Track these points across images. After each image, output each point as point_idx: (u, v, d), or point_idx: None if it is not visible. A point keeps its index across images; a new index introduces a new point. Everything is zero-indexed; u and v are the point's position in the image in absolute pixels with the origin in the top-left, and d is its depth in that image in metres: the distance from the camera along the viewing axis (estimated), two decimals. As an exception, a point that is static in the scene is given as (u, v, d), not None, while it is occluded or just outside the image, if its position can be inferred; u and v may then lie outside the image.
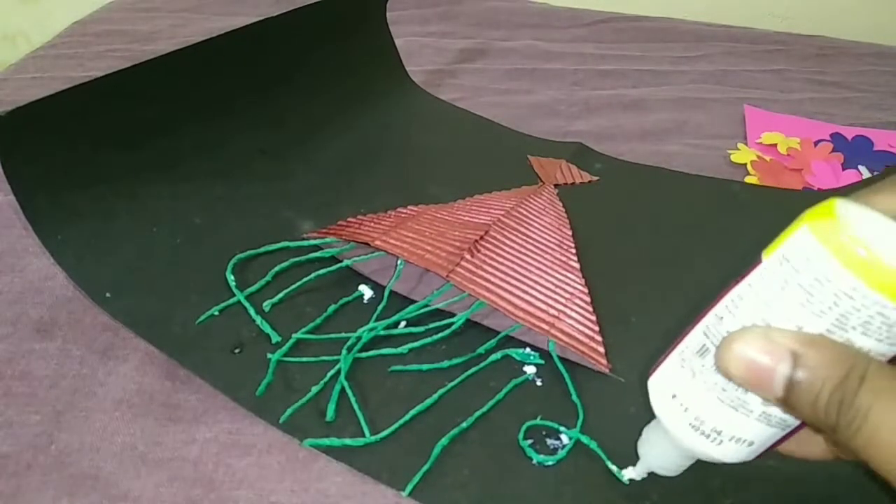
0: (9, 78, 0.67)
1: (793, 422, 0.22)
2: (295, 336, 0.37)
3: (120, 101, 0.41)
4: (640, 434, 0.28)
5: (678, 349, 0.24)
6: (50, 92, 0.37)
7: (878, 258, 0.19)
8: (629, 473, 0.30)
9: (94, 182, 0.41)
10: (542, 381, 0.36)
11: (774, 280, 0.21)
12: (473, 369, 0.36)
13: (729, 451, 0.24)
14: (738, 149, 0.58)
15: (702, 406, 0.23)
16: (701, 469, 0.32)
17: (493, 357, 0.37)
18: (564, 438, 0.33)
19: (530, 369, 0.37)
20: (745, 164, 0.56)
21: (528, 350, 0.37)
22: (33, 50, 0.73)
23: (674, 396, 0.24)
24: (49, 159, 0.39)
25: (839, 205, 0.21)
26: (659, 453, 0.27)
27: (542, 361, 0.37)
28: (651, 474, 0.28)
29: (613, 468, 0.32)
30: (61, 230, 0.39)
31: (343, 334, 0.38)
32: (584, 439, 0.33)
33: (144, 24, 0.80)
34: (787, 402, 0.21)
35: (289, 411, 0.34)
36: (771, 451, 0.24)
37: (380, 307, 0.39)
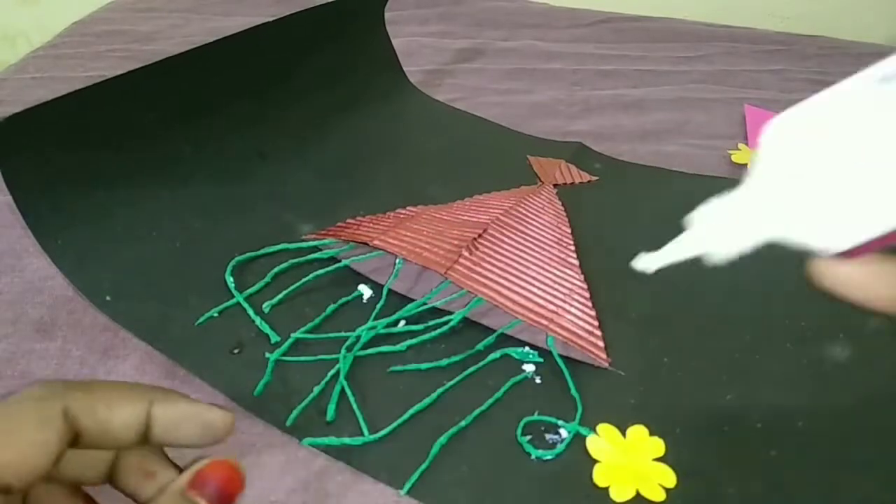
0: (9, 78, 0.67)
1: None
2: (293, 335, 0.37)
3: (119, 105, 0.41)
4: None
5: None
6: (50, 92, 0.37)
7: None
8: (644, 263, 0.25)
9: (94, 186, 0.41)
10: (540, 379, 0.36)
11: None
12: (472, 368, 0.36)
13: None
14: (738, 149, 0.58)
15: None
16: (705, 458, 0.32)
17: (492, 356, 0.37)
18: (563, 433, 0.33)
19: (529, 367, 0.37)
20: (745, 164, 0.56)
21: (526, 349, 0.37)
22: (33, 50, 0.73)
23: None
24: (48, 164, 0.39)
25: None
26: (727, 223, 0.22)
27: (541, 360, 0.37)
28: None
29: None
30: (61, 235, 0.39)
31: (342, 333, 0.38)
32: (584, 431, 0.33)
33: (144, 24, 0.80)
34: None
35: (294, 413, 0.34)
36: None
37: (378, 306, 0.39)
